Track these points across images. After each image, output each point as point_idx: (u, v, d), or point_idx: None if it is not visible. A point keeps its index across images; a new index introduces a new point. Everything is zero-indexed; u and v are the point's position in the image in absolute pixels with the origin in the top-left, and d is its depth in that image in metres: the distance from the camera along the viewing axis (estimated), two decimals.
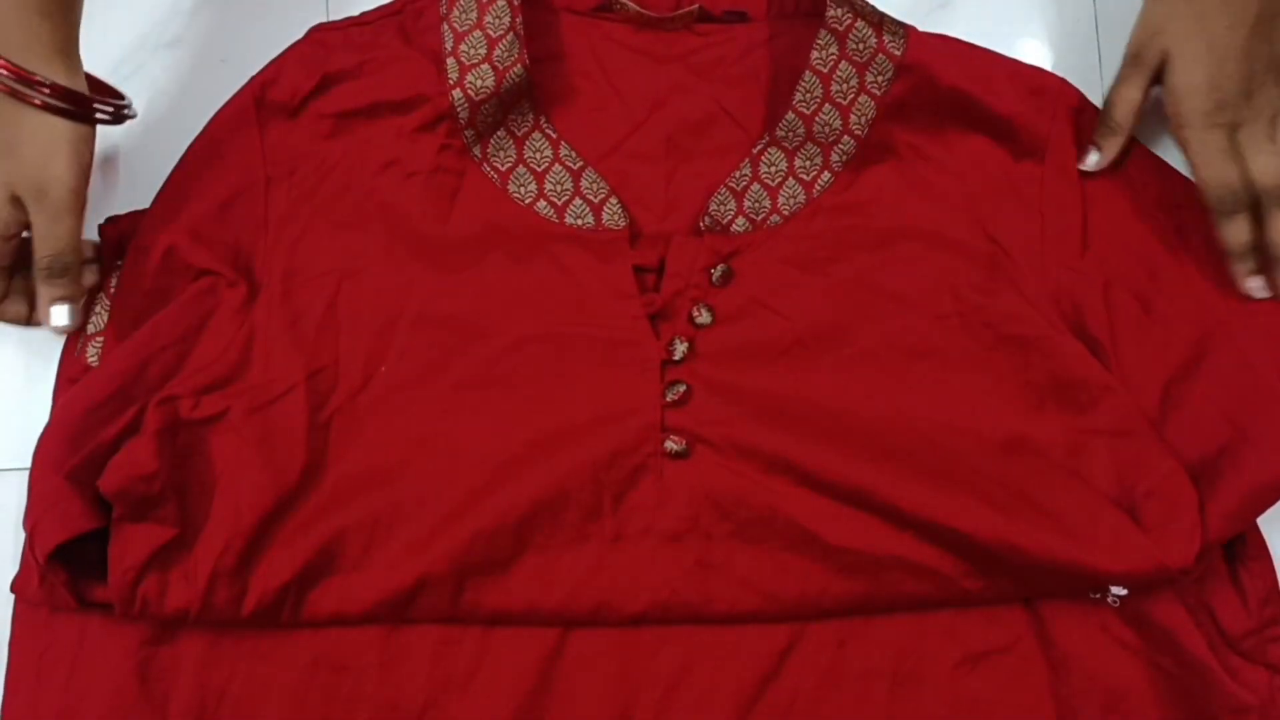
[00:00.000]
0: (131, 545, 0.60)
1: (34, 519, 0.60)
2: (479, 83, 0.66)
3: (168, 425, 0.62)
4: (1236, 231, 0.65)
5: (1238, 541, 0.64)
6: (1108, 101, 0.68)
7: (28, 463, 0.62)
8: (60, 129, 0.61)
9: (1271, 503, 0.63)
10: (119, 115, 0.65)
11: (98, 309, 0.67)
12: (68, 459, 0.60)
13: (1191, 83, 0.64)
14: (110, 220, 0.68)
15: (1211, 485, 0.62)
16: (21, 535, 0.62)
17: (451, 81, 0.67)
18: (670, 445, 0.64)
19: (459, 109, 0.67)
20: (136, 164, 0.70)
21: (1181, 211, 0.68)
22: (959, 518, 0.61)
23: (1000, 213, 0.68)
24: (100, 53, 0.68)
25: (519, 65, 0.66)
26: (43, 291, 0.63)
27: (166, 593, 0.60)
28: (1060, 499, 0.63)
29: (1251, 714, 0.62)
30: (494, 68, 0.66)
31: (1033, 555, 0.61)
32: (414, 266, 0.67)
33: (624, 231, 0.67)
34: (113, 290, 0.66)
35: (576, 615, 0.63)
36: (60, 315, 0.63)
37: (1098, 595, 0.64)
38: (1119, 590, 0.63)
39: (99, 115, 0.63)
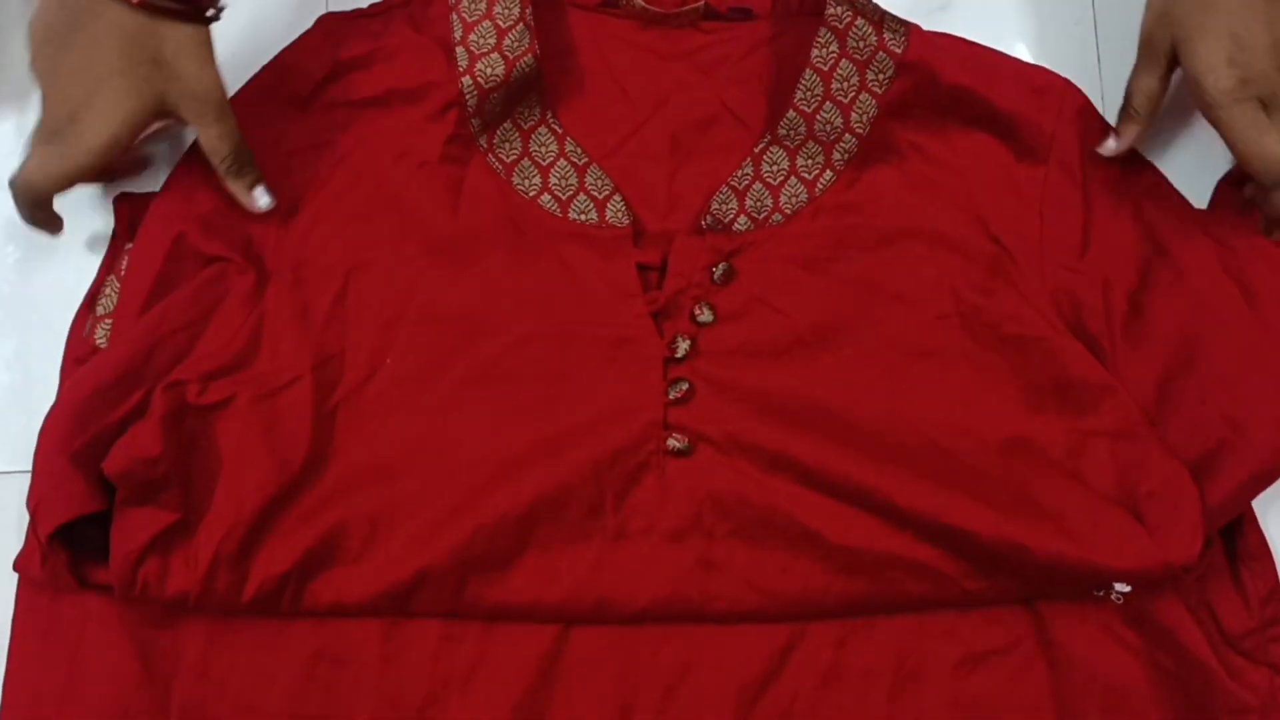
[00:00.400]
0: (134, 528, 0.59)
1: (37, 498, 0.60)
2: (489, 70, 0.66)
3: (174, 410, 0.61)
4: None
5: (1239, 541, 0.64)
6: (1126, 90, 0.68)
7: (28, 466, 0.61)
8: (196, 37, 0.62)
9: (1264, 486, 0.63)
10: (217, 11, 0.64)
11: (108, 290, 0.66)
12: (73, 440, 0.60)
13: (1210, 63, 0.63)
14: (123, 196, 0.68)
15: (1210, 481, 0.62)
16: (21, 539, 0.62)
17: (461, 69, 0.67)
18: (673, 443, 0.64)
19: (468, 96, 0.67)
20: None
21: (1182, 213, 0.68)
22: (960, 517, 0.62)
23: (1002, 212, 0.68)
24: None
25: (529, 55, 0.66)
26: (236, 185, 0.65)
27: (167, 576, 0.60)
28: (1061, 499, 0.63)
29: (1252, 714, 0.62)
30: (504, 57, 0.66)
31: (1035, 554, 0.61)
32: (421, 261, 0.67)
33: (628, 229, 0.67)
34: (123, 272, 0.66)
35: (578, 612, 0.63)
36: (262, 196, 0.66)
37: (1101, 593, 0.64)
38: (1122, 587, 0.63)
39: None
